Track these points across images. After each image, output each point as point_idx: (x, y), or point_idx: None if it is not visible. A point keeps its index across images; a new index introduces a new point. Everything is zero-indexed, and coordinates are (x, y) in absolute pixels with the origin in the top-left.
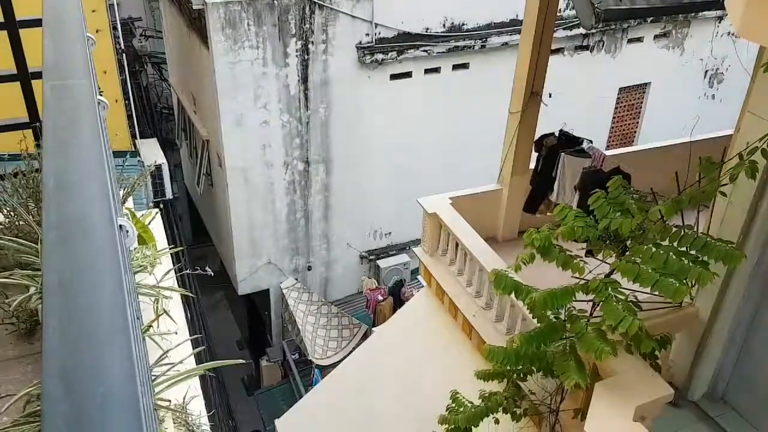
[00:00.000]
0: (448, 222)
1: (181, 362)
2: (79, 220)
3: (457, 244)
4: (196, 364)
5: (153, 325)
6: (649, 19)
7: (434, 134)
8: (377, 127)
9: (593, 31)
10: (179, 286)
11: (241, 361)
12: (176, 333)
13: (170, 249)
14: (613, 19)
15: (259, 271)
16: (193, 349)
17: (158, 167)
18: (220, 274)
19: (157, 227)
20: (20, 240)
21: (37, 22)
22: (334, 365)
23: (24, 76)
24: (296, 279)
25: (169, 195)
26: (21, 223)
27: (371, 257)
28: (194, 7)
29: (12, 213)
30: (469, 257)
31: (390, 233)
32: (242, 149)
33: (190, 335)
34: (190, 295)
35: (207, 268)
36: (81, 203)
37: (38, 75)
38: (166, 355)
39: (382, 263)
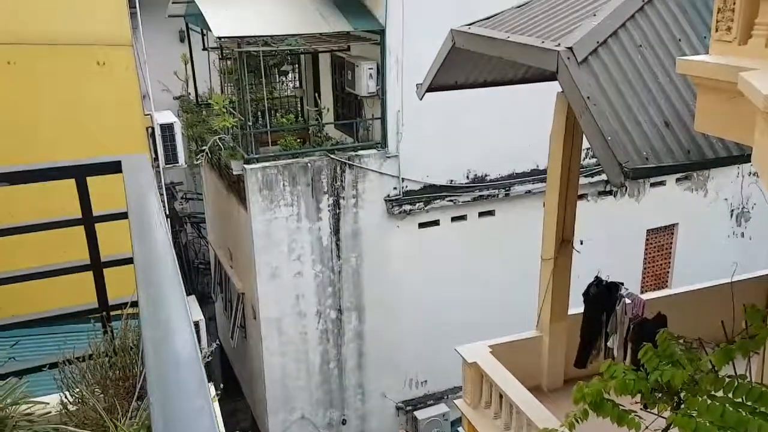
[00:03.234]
0: (490, 372)
1: None
2: (182, 412)
3: (501, 396)
4: None
5: None
6: None
7: (465, 279)
8: (408, 273)
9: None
10: None
11: None
12: None
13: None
14: (641, 177)
15: (293, 426)
16: None
17: (195, 324)
18: (252, 430)
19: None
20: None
21: (109, 217)
22: None
23: (97, 267)
24: None
25: (206, 352)
26: (87, 409)
27: (408, 408)
28: (234, 173)
29: (79, 399)
30: (515, 410)
31: (426, 381)
32: (276, 301)
33: None
34: None
35: None
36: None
37: (109, 264)
38: None
39: (420, 414)
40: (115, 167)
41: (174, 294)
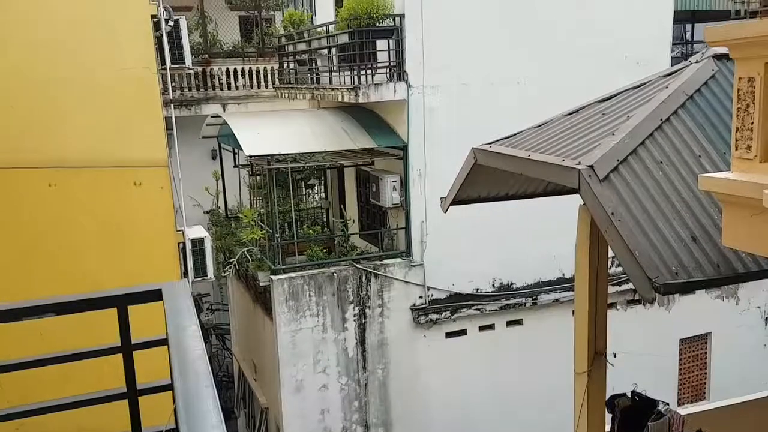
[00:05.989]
0: None
1: None
2: None
3: None
4: None
5: None
6: None
7: (495, 391)
8: (436, 385)
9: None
10: None
11: None
12: None
13: None
14: (672, 292)
15: None
16: None
17: None
18: None
19: None
20: None
21: (148, 344)
22: None
23: (132, 396)
24: None
25: None
26: None
27: None
28: (261, 284)
29: None
30: None
31: None
32: (301, 416)
33: None
34: None
35: None
36: None
37: (144, 392)
38: None
39: None
40: (155, 295)
41: (215, 427)
